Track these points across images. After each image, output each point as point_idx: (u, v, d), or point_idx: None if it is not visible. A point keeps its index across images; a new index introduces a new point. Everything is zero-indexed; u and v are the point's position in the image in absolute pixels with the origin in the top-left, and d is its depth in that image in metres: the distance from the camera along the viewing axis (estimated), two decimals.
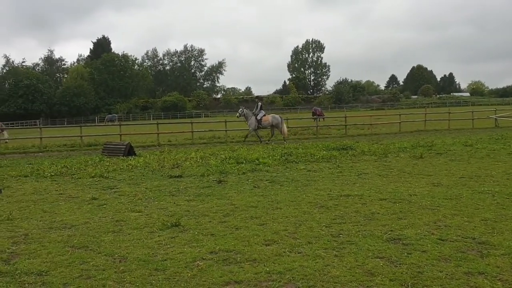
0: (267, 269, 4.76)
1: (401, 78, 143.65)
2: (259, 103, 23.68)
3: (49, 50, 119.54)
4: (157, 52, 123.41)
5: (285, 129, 23.28)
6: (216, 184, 10.23)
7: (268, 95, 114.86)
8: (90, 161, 15.36)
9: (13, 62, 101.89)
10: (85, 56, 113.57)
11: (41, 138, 23.93)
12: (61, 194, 9.68)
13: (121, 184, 10.74)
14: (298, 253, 5.29)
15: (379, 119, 35.28)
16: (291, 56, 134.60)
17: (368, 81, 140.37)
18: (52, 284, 4.43)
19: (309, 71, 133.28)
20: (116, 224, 6.82)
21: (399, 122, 29.22)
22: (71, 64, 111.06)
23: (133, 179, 11.56)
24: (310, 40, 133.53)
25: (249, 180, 10.60)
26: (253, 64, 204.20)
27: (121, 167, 13.75)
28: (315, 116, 38.73)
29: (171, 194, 9.19)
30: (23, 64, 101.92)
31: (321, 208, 7.48)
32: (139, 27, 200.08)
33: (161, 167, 13.51)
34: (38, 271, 4.81)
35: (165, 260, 5.08)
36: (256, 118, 22.78)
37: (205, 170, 12.26)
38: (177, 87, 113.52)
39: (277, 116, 23.74)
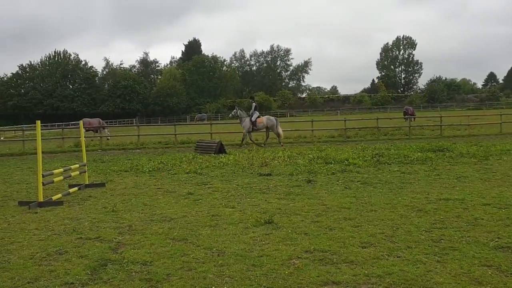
0: (366, 271, 4.63)
1: (500, 76, 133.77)
2: (254, 104, 22.80)
3: (144, 52, 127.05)
4: (244, 53, 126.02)
5: (280, 131, 22.32)
6: (306, 183, 10.19)
7: (355, 94, 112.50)
8: (184, 158, 16.03)
9: (112, 64, 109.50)
10: (178, 58, 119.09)
11: (138, 135, 25.49)
12: (159, 188, 10.21)
13: (214, 181, 11.08)
14: (397, 257, 5.09)
15: (477, 120, 33.06)
16: (380, 54, 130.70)
17: (463, 79, 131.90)
18: (156, 274, 4.66)
19: (400, 68, 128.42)
20: (212, 218, 7.04)
21: (500, 123, 27.15)
22: (164, 65, 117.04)
23: (225, 176, 11.88)
24: (401, 36, 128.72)
25: (339, 181, 10.43)
26: (339, 62, 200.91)
27: (213, 164, 14.20)
28: (406, 116, 37.22)
29: (262, 192, 9.30)
30: (121, 66, 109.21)
31: (419, 212, 7.14)
32: (227, 29, 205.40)
33: (250, 165, 13.74)
34: (143, 260, 5.10)
35: (261, 256, 5.15)
36: (250, 120, 21.95)
37: (294, 169, 12.28)
38: (262, 87, 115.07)
39: (272, 117, 22.71)
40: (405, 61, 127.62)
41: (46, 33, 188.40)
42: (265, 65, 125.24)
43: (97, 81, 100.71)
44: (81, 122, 12.16)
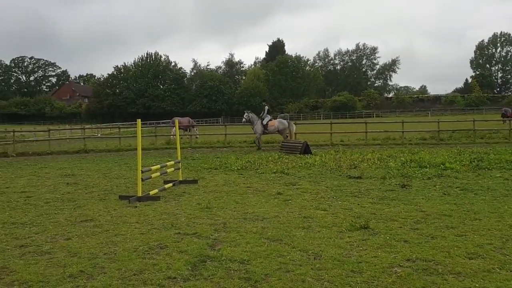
0: (476, 285, 4.30)
1: None
2: (266, 107, 22.71)
3: (230, 54, 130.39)
4: (328, 52, 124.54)
5: (293, 133, 22.11)
6: (400, 188, 9.76)
7: (447, 94, 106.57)
8: (270, 158, 16.13)
9: (199, 65, 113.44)
10: (261, 58, 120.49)
11: (225, 134, 26.12)
12: (248, 187, 10.33)
13: (301, 181, 11.00)
14: (510, 271, 4.67)
15: None
16: (475, 52, 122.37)
17: None
18: (254, 274, 4.67)
19: (496, 67, 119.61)
20: (304, 220, 6.96)
21: None
22: (248, 66, 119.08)
23: (312, 177, 11.76)
24: (498, 33, 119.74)
25: (437, 186, 9.87)
26: (429, 60, 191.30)
27: (300, 164, 14.13)
28: (505, 118, 34.52)
29: (353, 195, 9.06)
30: (207, 67, 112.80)
31: None
32: (311, 28, 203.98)
33: (338, 166, 13.48)
34: (240, 259, 5.14)
35: (360, 262, 4.97)
36: (262, 123, 21.86)
37: (385, 173, 11.85)
38: (347, 86, 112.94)
39: (284, 121, 22.58)
40: (503, 59, 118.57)
41: (138, 36, 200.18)
42: (349, 64, 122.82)
43: (185, 81, 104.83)
44: (176, 121, 12.68)
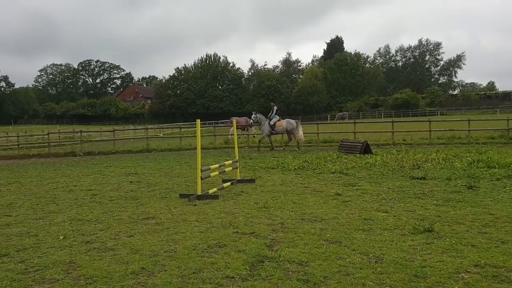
0: None
1: None
2: (275, 107, 22.54)
3: (287, 53, 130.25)
4: (389, 48, 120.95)
5: (301, 134, 21.70)
6: (466, 189, 9.26)
7: None
8: (328, 157, 15.90)
9: (257, 65, 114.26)
10: (319, 56, 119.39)
11: (282, 134, 26.01)
12: (306, 187, 10.21)
13: (361, 182, 10.73)
14: None
15: None
16: None
17: None
18: (313, 276, 4.59)
19: None
20: (364, 222, 6.77)
21: None
22: (306, 65, 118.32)
23: (373, 177, 11.44)
24: None
25: (507, 188, 9.29)
26: (497, 56, 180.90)
27: (359, 164, 13.81)
28: None
29: (416, 197, 8.70)
30: (265, 66, 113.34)
31: None
32: (371, 24, 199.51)
33: (400, 167, 13.04)
34: (298, 260, 5.07)
35: (424, 267, 4.75)
36: (269, 123, 21.79)
37: (451, 174, 11.31)
38: (409, 83, 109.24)
39: (292, 121, 22.18)
40: None
41: (197, 37, 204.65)
42: (412, 60, 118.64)
43: (243, 81, 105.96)
44: (234, 121, 12.79)
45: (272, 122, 21.96)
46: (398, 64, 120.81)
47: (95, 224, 7.21)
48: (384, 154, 16.57)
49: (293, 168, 13.59)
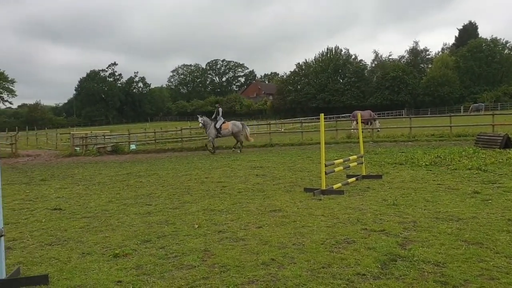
0: None
1: None
2: (219, 109, 21.71)
3: (414, 41, 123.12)
4: None
5: (248, 135, 21.63)
6: None
7: None
8: (463, 152, 14.71)
9: (381, 56, 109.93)
10: (450, 44, 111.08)
11: (410, 127, 24.79)
12: (439, 184, 9.56)
13: (503, 179, 9.74)
14: None
15: None
16: None
17: None
18: (452, 278, 4.26)
19: None
20: (508, 223, 6.12)
21: None
22: (435, 53, 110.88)
23: None
24: None
25: None
26: None
27: (500, 160, 12.56)
28: None
29: None
30: (389, 57, 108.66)
31: None
32: (510, 5, 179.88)
33: None
34: (434, 261, 4.75)
35: None
36: (215, 126, 21.16)
37: None
38: None
39: (237, 123, 21.83)
40: None
41: (318, 32, 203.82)
42: None
43: (366, 74, 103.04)
44: (358, 114, 12.45)
45: (218, 125, 21.34)
46: None
47: (226, 215, 7.55)
48: None
49: (423, 164, 12.82)
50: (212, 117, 22.02)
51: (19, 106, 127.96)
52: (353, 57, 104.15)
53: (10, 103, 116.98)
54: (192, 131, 40.25)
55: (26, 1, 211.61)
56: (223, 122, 21.52)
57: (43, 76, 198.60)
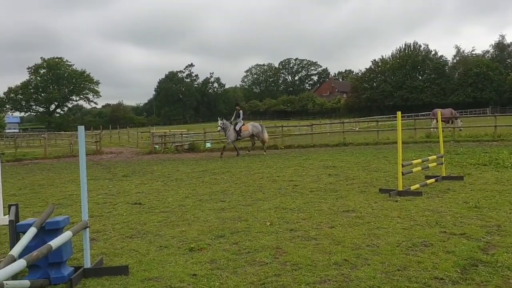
0: None
1: None
2: (240, 111, 21.23)
3: (500, 35, 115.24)
4: None
5: (266, 137, 21.67)
6: None
7: None
8: None
9: (463, 51, 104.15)
10: None
11: (495, 126, 23.30)
12: None
13: None
14: None
15: None
16: None
17: None
18: None
19: None
20: None
21: None
22: None
23: None
24: None
25: None
26: None
27: None
28: None
29: None
30: (472, 52, 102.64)
31: None
32: None
33: None
34: None
35: None
36: (234, 129, 20.86)
37: None
38: None
39: (257, 124, 21.88)
40: None
41: (395, 27, 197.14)
42: None
43: (446, 70, 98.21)
44: (439, 112, 11.92)
45: (237, 128, 20.87)
46: None
47: (298, 213, 7.55)
48: None
49: (510, 165, 12.01)
50: (232, 119, 21.83)
51: (103, 106, 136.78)
52: (432, 52, 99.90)
53: (95, 103, 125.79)
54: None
55: (110, 6, 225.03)
56: (243, 124, 21.32)
57: (125, 77, 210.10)
